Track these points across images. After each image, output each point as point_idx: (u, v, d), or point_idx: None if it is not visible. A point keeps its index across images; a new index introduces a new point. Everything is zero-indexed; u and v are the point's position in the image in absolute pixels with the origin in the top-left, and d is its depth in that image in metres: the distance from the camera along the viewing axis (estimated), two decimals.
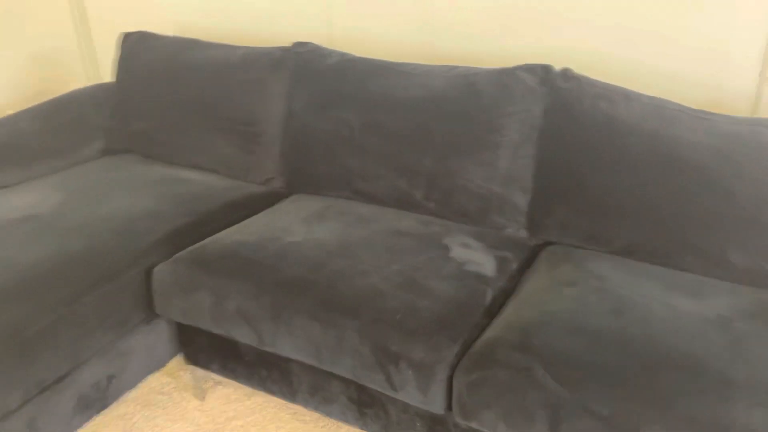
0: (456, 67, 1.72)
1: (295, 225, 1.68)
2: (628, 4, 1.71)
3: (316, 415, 1.69)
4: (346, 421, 1.50)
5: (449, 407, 1.28)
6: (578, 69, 1.79)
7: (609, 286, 1.40)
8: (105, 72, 2.72)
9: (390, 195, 1.78)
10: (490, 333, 1.30)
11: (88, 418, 1.55)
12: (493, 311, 1.40)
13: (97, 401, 1.55)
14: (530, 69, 1.63)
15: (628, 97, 1.51)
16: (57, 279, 1.46)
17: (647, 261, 1.50)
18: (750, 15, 1.59)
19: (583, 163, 1.53)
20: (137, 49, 2.17)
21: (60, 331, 1.40)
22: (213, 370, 1.66)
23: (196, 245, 1.62)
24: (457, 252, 1.56)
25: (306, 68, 1.86)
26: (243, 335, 1.47)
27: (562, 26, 1.81)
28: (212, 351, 1.63)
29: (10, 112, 2.33)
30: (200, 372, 1.74)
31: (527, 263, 1.59)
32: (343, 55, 1.86)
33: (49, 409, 1.43)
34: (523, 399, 1.17)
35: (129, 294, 1.55)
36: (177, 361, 1.82)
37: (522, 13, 1.85)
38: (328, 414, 1.52)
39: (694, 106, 1.69)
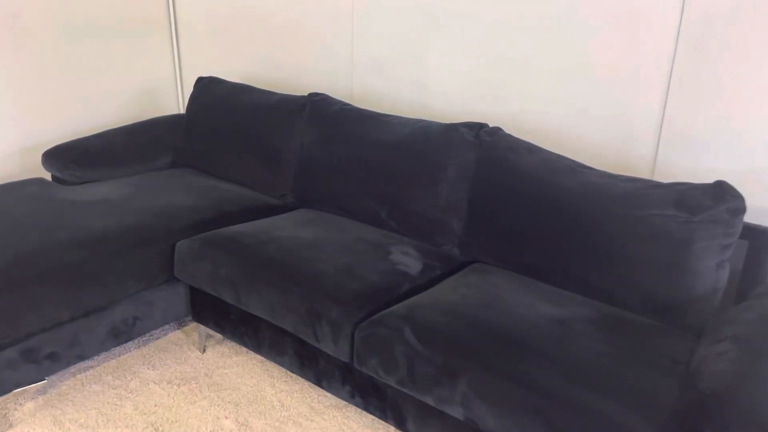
0: (421, 121, 2.24)
1: (287, 226, 2.23)
2: (559, 82, 2.17)
3: (282, 370, 2.20)
4: (292, 370, 1.99)
5: (353, 358, 1.74)
6: (519, 128, 2.27)
7: (495, 290, 1.82)
8: None
9: (364, 213, 2.30)
10: (391, 308, 1.76)
11: (117, 344, 2.13)
12: (403, 298, 1.86)
13: (125, 333, 2.13)
14: (469, 125, 2.11)
15: (531, 150, 1.95)
16: (111, 240, 2.07)
17: (536, 278, 1.91)
18: (648, 95, 2.00)
19: (497, 200, 1.98)
20: (205, 89, 2.85)
21: (105, 274, 2.00)
22: (210, 327, 2.21)
23: (212, 231, 2.20)
24: (396, 256, 2.04)
25: (316, 113, 2.45)
26: (228, 295, 2.01)
27: (511, 96, 2.29)
28: (210, 310, 2.18)
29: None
30: (203, 329, 2.29)
31: (451, 272, 2.04)
32: (344, 104, 2.43)
33: (88, 329, 2.02)
34: (392, 350, 1.62)
35: (158, 259, 2.14)
36: (193, 325, 2.40)
37: (485, 83, 2.34)
38: (281, 364, 2.01)
39: (605, 167, 2.11)
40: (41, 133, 3.03)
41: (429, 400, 1.58)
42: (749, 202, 1.90)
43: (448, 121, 2.48)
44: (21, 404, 2.00)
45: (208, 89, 2.85)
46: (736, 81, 1.84)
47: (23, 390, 1.96)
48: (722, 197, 1.66)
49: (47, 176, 2.91)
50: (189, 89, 3.50)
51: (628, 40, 2.00)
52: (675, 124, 1.97)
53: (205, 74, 3.32)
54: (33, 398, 2.03)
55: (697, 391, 1.30)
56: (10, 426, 1.92)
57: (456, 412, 1.53)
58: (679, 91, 1.93)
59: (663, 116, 1.98)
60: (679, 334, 1.66)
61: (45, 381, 1.97)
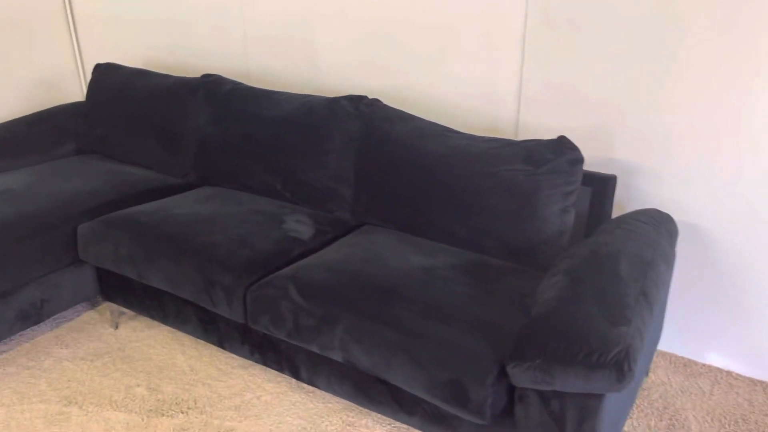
0: (307, 96, 2.39)
1: (186, 204, 2.35)
2: (432, 55, 2.35)
3: (191, 338, 2.34)
4: (197, 336, 2.14)
5: (247, 319, 1.91)
6: (399, 100, 2.44)
7: (375, 247, 2.01)
8: None
9: (261, 186, 2.44)
10: (280, 271, 1.92)
11: (26, 327, 2.21)
12: (294, 262, 2.03)
13: (33, 316, 2.22)
14: (349, 98, 2.28)
15: (404, 119, 2.14)
16: (13, 227, 2.15)
17: (413, 233, 2.11)
18: (508, 64, 2.21)
19: (377, 166, 2.16)
20: (103, 76, 2.90)
21: (9, 259, 2.08)
22: (119, 303, 2.32)
23: (112, 213, 2.30)
24: (289, 225, 2.20)
25: (210, 93, 2.56)
26: (130, 272, 2.13)
27: (393, 69, 2.46)
28: (118, 288, 2.29)
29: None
30: (115, 308, 2.40)
31: (342, 236, 2.21)
32: (235, 84, 2.55)
33: None
34: (279, 307, 1.79)
35: (61, 243, 2.23)
36: (105, 305, 2.50)
37: (369, 58, 2.51)
38: (187, 332, 2.15)
39: (477, 130, 2.32)
40: None
41: (314, 348, 1.76)
42: (594, 153, 2.14)
43: (337, 95, 2.63)
44: None
45: (106, 76, 2.91)
46: (578, 51, 2.06)
47: None
48: (562, 150, 1.88)
49: None
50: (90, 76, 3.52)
51: (487, 13, 2.19)
52: (531, 89, 2.18)
53: (106, 61, 3.35)
54: None
55: (530, 317, 1.53)
56: None
57: (337, 356, 1.72)
58: (532, 59, 2.15)
59: (521, 82, 2.20)
60: (530, 272, 1.89)
61: None
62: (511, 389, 1.52)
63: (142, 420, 1.96)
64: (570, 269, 1.65)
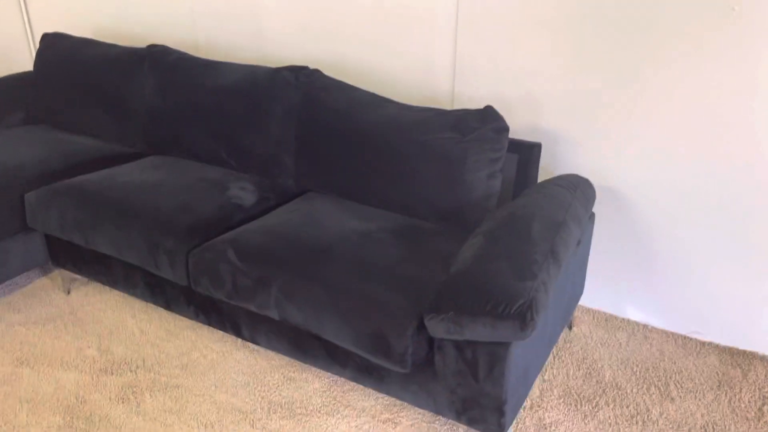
0: (251, 66, 2.45)
1: (134, 172, 2.41)
2: (372, 27, 2.42)
3: (142, 302, 2.43)
4: (145, 299, 2.22)
5: (190, 281, 2.00)
6: (343, 71, 2.52)
7: (314, 213, 2.11)
8: None
9: (207, 154, 2.51)
10: (222, 236, 2.01)
11: None
12: (236, 227, 2.11)
13: None
14: (292, 69, 2.35)
15: (342, 89, 2.22)
16: None
17: (352, 199, 2.21)
18: (442, 37, 2.30)
19: (317, 135, 2.25)
20: (51, 45, 2.91)
21: None
22: (69, 269, 2.39)
23: (59, 182, 2.35)
24: (233, 192, 2.28)
25: (155, 63, 2.60)
26: (77, 238, 2.19)
27: (335, 40, 2.53)
28: (67, 254, 2.35)
29: None
30: (66, 274, 2.47)
31: (285, 202, 2.30)
32: (180, 54, 2.59)
33: None
34: (218, 269, 1.88)
35: (8, 211, 2.28)
36: (57, 271, 2.57)
37: (312, 30, 2.57)
38: (135, 295, 2.24)
39: (416, 100, 2.41)
40: None
41: (252, 308, 1.87)
42: (522, 121, 2.26)
43: (283, 64, 2.69)
44: None
45: (53, 45, 2.91)
46: (507, 23, 2.15)
47: None
48: (487, 119, 1.99)
49: None
50: None
51: None
52: (465, 61, 2.28)
53: (55, 30, 3.35)
54: None
55: (448, 274, 1.65)
56: None
57: (273, 314, 1.83)
58: (465, 32, 2.24)
59: (455, 54, 2.29)
60: (458, 234, 2.01)
61: None
62: (431, 340, 1.64)
63: (92, 379, 2.05)
64: (488, 231, 1.77)
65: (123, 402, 1.96)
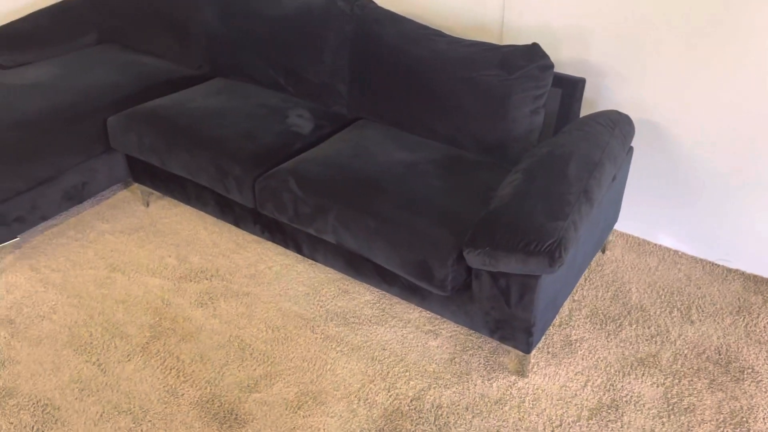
0: None
1: (200, 97, 2.60)
2: None
3: (212, 217, 2.70)
4: (216, 216, 2.49)
5: (256, 205, 2.23)
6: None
7: (365, 142, 2.27)
8: None
9: (266, 80, 2.67)
10: (283, 165, 2.22)
11: (72, 205, 2.59)
12: (296, 155, 2.31)
13: (77, 196, 2.58)
14: None
15: (394, 21, 2.30)
16: (49, 120, 2.44)
17: (402, 129, 2.36)
18: None
19: (369, 65, 2.36)
20: None
21: (49, 150, 2.40)
22: (148, 186, 2.66)
23: (136, 106, 2.57)
24: (292, 119, 2.46)
25: None
26: (154, 160, 2.44)
27: None
28: (145, 172, 2.62)
29: (36, 6, 3.29)
30: (145, 188, 2.75)
31: (339, 129, 2.47)
32: None
33: (44, 195, 2.46)
34: (281, 197, 2.10)
35: (92, 133, 2.53)
36: (135, 184, 2.86)
37: None
38: (207, 212, 2.50)
39: (465, 29, 2.47)
40: None
41: (311, 231, 2.10)
42: (568, 55, 2.30)
43: None
44: (2, 258, 2.51)
45: None
46: None
47: (1, 246, 2.44)
48: (533, 58, 2.06)
49: None
50: None
51: None
52: None
53: None
54: (11, 252, 2.53)
55: (486, 210, 1.82)
56: None
57: (330, 238, 2.06)
58: None
59: None
60: (501, 167, 2.15)
61: (18, 239, 2.45)
62: (469, 269, 1.85)
63: (174, 285, 2.37)
64: (527, 168, 1.91)
65: (201, 306, 2.27)
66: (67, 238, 2.62)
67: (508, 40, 2.42)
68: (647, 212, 2.45)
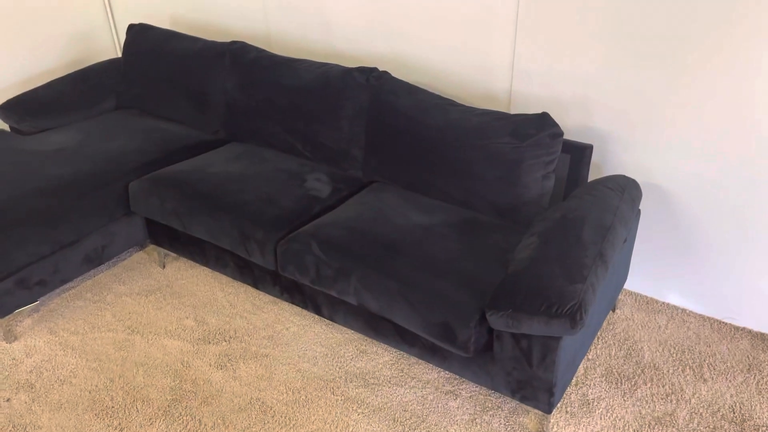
0: (325, 65, 2.66)
1: (219, 162, 2.69)
2: (434, 27, 2.59)
3: (228, 278, 2.75)
4: (234, 278, 2.54)
5: (277, 267, 2.29)
6: (404, 65, 2.71)
7: (382, 206, 2.36)
8: None
9: (283, 145, 2.77)
10: (303, 228, 2.29)
11: (91, 268, 2.63)
12: (316, 218, 2.38)
13: (96, 259, 2.63)
14: (361, 70, 2.55)
15: (409, 92, 2.42)
16: (73, 185, 2.51)
17: (416, 192, 2.45)
18: (502, 40, 2.46)
19: (384, 133, 2.47)
20: (137, 36, 3.17)
21: (72, 215, 2.46)
22: (166, 248, 2.72)
23: (158, 171, 2.65)
24: (310, 183, 2.54)
25: (235, 60, 2.84)
26: (175, 224, 2.51)
27: (399, 38, 2.71)
28: (164, 235, 2.68)
29: (56, 73, 3.42)
30: (161, 250, 2.80)
31: (355, 192, 2.56)
32: (259, 51, 2.82)
33: (66, 259, 2.51)
34: (303, 259, 2.16)
35: (114, 198, 2.60)
36: (152, 246, 2.91)
37: (377, 27, 2.75)
38: (226, 273, 2.55)
39: (474, 97, 2.59)
40: None
41: (333, 293, 2.15)
42: (575, 122, 2.43)
43: (349, 59, 2.90)
44: (21, 321, 2.53)
45: (139, 36, 3.17)
46: (566, 27, 2.30)
47: (21, 310, 2.47)
48: (543, 126, 2.18)
49: (3, 126, 3.26)
50: (122, 30, 3.78)
51: None
52: (522, 62, 2.44)
53: (135, 17, 3.60)
54: (30, 316, 2.56)
55: (506, 274, 1.89)
56: (15, 338, 2.45)
57: (351, 299, 2.11)
58: (523, 34, 2.39)
59: (514, 55, 2.45)
60: (514, 230, 2.23)
61: (37, 302, 2.48)
62: (491, 329, 1.90)
63: (193, 347, 2.40)
64: (542, 232, 1.99)
65: (221, 368, 2.30)
66: (85, 300, 2.65)
67: (515, 108, 2.54)
68: (655, 271, 2.53)
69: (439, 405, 2.12)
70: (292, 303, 2.40)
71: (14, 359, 2.35)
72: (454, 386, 2.20)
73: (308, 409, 2.12)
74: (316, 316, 2.53)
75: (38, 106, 3.03)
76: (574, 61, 2.34)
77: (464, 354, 1.91)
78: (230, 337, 2.44)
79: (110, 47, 3.85)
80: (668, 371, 2.23)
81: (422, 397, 2.16)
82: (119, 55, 3.92)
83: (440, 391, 2.18)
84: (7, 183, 2.47)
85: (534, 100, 2.48)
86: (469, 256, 2.07)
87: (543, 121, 2.19)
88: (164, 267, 2.85)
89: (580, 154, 2.29)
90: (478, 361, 1.97)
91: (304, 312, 2.56)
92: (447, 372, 2.24)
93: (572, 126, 2.44)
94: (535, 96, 2.48)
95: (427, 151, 2.36)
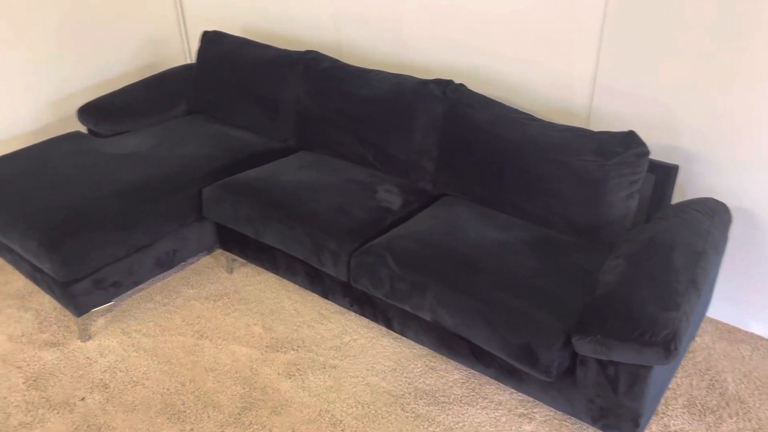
0: (398, 76, 2.64)
1: (290, 170, 2.70)
2: (512, 40, 2.55)
3: (295, 286, 2.75)
4: (304, 286, 2.53)
5: (349, 278, 2.27)
6: (481, 81, 2.67)
7: (455, 220, 2.32)
8: (195, 54, 3.83)
9: (354, 156, 2.76)
10: (376, 240, 2.27)
11: (162, 271, 2.66)
12: (388, 230, 2.36)
13: (167, 262, 2.66)
14: (437, 82, 2.52)
15: (486, 105, 2.38)
16: (147, 190, 2.55)
17: (489, 207, 2.40)
18: (584, 55, 2.40)
19: (459, 146, 2.43)
20: (211, 43, 3.22)
21: (147, 218, 2.50)
22: (235, 254, 2.73)
23: (230, 177, 2.67)
24: (381, 195, 2.52)
25: (309, 69, 2.84)
26: (248, 230, 2.52)
27: (474, 50, 2.67)
28: (235, 241, 2.70)
29: (129, 77, 3.50)
30: (229, 255, 2.82)
31: (426, 205, 2.53)
32: (332, 61, 2.82)
33: (139, 261, 2.55)
34: (378, 271, 2.14)
35: (187, 203, 2.63)
36: (220, 251, 2.94)
37: (453, 39, 2.72)
38: (295, 282, 2.55)
39: (551, 111, 2.54)
40: (69, 85, 3.44)
41: (407, 308, 2.12)
42: (659, 141, 2.35)
43: (422, 71, 2.88)
44: (95, 321, 2.58)
45: (213, 43, 3.22)
46: (652, 45, 2.22)
47: (96, 310, 2.51)
48: (630, 145, 2.11)
49: (81, 127, 3.35)
50: (192, 37, 3.84)
51: (565, 7, 2.36)
52: (605, 78, 2.37)
53: (206, 24, 3.66)
54: (103, 315, 2.61)
55: (592, 296, 1.83)
56: (89, 338, 2.49)
57: (426, 316, 2.08)
58: (608, 50, 2.33)
59: (596, 71, 2.39)
60: (595, 250, 2.17)
61: (112, 302, 2.52)
62: (574, 354, 1.84)
63: (262, 354, 2.40)
64: (630, 254, 1.92)
65: (290, 378, 2.29)
66: (155, 302, 2.69)
67: (595, 125, 2.48)
68: (738, 299, 2.42)
69: (513, 427, 2.07)
70: (362, 315, 2.38)
71: (88, 358, 2.39)
72: (527, 409, 2.14)
73: (378, 424, 2.09)
74: (383, 329, 2.51)
75: (114, 110, 3.10)
76: (660, 78, 2.26)
77: (545, 378, 1.85)
78: (298, 346, 2.43)
79: (180, 53, 3.93)
80: (755, 405, 2.13)
81: (495, 418, 2.11)
82: (188, 61, 3.99)
83: (513, 414, 2.12)
84: (87, 185, 2.53)
85: (615, 117, 2.41)
86: (549, 276, 2.01)
87: (629, 140, 2.12)
88: (231, 272, 2.87)
89: (665, 174, 2.21)
90: (558, 385, 1.91)
91: (372, 324, 2.54)
92: (519, 394, 2.19)
93: (656, 145, 2.36)
94: (617, 113, 2.40)
95: (503, 166, 2.31)
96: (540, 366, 1.83)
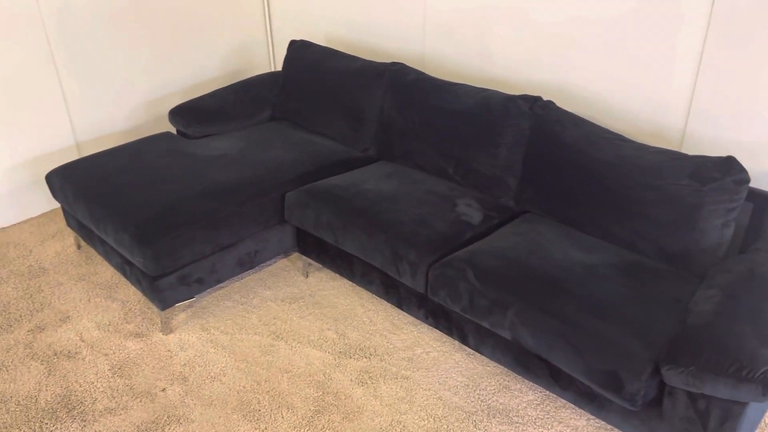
0: (484, 90, 2.64)
1: (371, 179, 2.73)
2: (603, 58, 2.50)
3: (369, 294, 2.77)
4: (379, 295, 2.55)
5: (427, 290, 2.28)
6: (569, 96, 2.64)
7: (539, 238, 2.28)
8: (279, 62, 3.95)
9: (434, 168, 2.77)
10: (457, 253, 2.26)
11: (242, 271, 2.74)
12: (467, 244, 2.35)
13: (248, 263, 2.73)
14: (525, 98, 2.50)
15: (576, 123, 2.34)
16: (235, 191, 2.64)
17: (573, 227, 2.36)
18: (680, 77, 2.33)
19: (545, 163, 2.40)
20: (297, 52, 3.31)
21: (233, 219, 2.58)
22: (312, 258, 2.78)
23: (312, 183, 2.73)
24: (461, 208, 2.52)
25: (394, 81, 2.88)
26: (328, 236, 2.56)
27: (563, 68, 2.63)
28: (313, 246, 2.74)
29: (216, 82, 3.62)
30: (306, 259, 2.87)
31: (506, 221, 2.50)
32: (418, 74, 2.84)
33: (223, 260, 2.63)
34: (457, 286, 2.13)
35: (271, 206, 2.70)
36: (296, 254, 2.99)
37: (541, 56, 2.69)
38: (370, 290, 2.57)
39: (641, 133, 2.48)
40: (161, 87, 3.60)
41: (485, 324, 2.10)
42: (760, 169, 2.25)
43: (507, 87, 2.86)
44: (176, 315, 2.67)
45: (299, 52, 3.30)
46: (754, 70, 2.14)
47: (179, 305, 2.61)
48: (729, 171, 2.03)
49: (171, 128, 3.49)
50: (278, 46, 3.96)
51: (663, 29, 2.30)
52: (703, 101, 2.30)
53: (291, 33, 3.76)
54: (184, 311, 2.70)
55: (685, 326, 1.76)
56: (171, 331, 2.58)
57: (505, 334, 2.05)
58: (707, 75, 2.25)
59: (693, 93, 2.31)
60: (685, 278, 2.09)
61: (194, 298, 2.61)
62: (662, 384, 1.78)
63: (335, 360, 2.43)
64: (726, 285, 1.84)
65: (362, 385, 2.30)
66: (233, 301, 2.76)
67: (688, 149, 2.40)
68: None
69: None
70: (435, 328, 2.38)
71: (169, 351, 2.48)
72: None
73: None
74: (456, 344, 2.49)
75: (204, 113, 3.22)
76: (761, 104, 2.17)
77: (630, 407, 1.79)
78: (370, 354, 2.45)
79: (265, 61, 4.05)
80: None
81: None
82: (273, 68, 4.11)
83: None
84: (178, 184, 2.63)
85: (711, 142, 2.33)
86: (637, 302, 1.95)
87: (729, 165, 2.04)
88: (307, 276, 2.92)
89: (765, 203, 2.12)
90: (642, 415, 1.84)
91: (445, 337, 2.53)
92: (598, 420, 2.12)
93: (756, 172, 2.26)
94: (713, 137, 2.32)
95: (592, 186, 2.27)
96: (625, 394, 1.77)
